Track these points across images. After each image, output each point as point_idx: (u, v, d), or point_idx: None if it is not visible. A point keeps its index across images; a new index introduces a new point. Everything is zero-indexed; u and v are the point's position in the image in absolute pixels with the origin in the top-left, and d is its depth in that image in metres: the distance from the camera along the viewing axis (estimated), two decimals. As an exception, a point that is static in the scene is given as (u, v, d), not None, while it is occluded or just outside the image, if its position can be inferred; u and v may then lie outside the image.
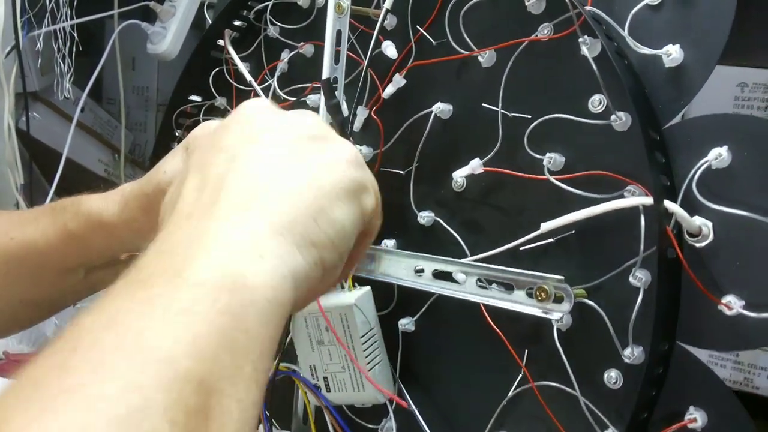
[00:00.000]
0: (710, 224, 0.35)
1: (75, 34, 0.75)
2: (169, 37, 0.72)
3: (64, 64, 0.75)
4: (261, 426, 0.44)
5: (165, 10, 0.70)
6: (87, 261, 0.43)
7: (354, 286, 0.43)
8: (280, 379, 0.45)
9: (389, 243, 0.46)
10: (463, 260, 0.41)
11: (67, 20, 0.74)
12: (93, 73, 0.76)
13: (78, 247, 0.42)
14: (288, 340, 0.44)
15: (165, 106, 1.00)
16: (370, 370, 0.41)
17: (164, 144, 0.60)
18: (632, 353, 0.35)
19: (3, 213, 0.46)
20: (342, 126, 0.41)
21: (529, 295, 0.36)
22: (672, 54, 0.36)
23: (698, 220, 0.35)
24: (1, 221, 0.44)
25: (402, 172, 0.46)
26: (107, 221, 0.41)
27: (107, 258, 0.43)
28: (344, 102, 0.45)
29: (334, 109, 0.41)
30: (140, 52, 0.78)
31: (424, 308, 0.44)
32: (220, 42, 0.56)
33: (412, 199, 0.45)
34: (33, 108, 0.80)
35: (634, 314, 0.35)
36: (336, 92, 0.42)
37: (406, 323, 0.45)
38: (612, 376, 0.36)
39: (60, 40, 0.74)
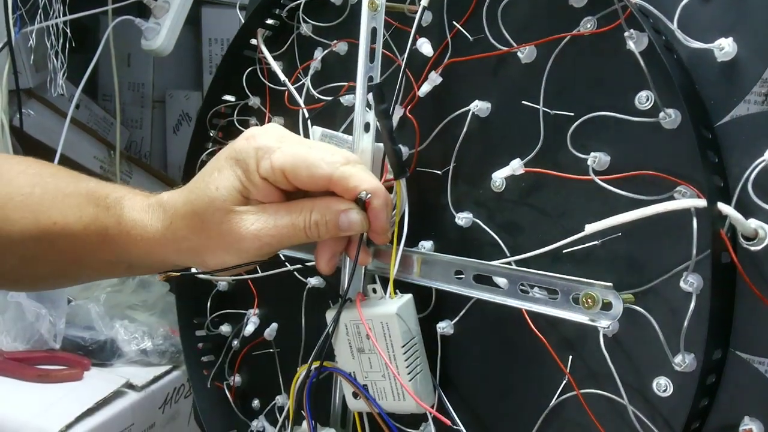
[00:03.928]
0: (766, 227, 0.33)
1: (68, 30, 0.74)
2: (163, 32, 0.72)
3: (57, 60, 0.75)
4: (305, 423, 0.43)
5: (159, 6, 0.70)
6: (128, 261, 0.43)
7: (396, 293, 0.42)
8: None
9: (426, 244, 0.45)
10: (504, 263, 0.40)
11: (60, 16, 0.73)
12: (87, 69, 0.76)
13: (118, 252, 0.42)
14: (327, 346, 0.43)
15: (161, 102, 1.00)
16: (411, 380, 0.41)
17: (199, 144, 0.59)
18: (683, 361, 0.34)
19: (31, 168, 0.45)
20: (390, 132, 0.40)
21: (575, 302, 0.35)
22: (724, 48, 0.35)
23: (753, 223, 0.33)
24: (36, 195, 0.42)
25: (439, 172, 0.45)
26: (150, 238, 0.41)
27: (148, 266, 0.42)
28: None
29: (383, 114, 0.40)
30: (135, 48, 0.77)
31: (463, 311, 0.43)
32: (253, 41, 0.55)
33: (449, 200, 0.44)
34: (27, 105, 0.80)
35: (687, 321, 0.33)
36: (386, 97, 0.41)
37: (444, 326, 0.44)
38: (661, 384, 0.35)
39: (53, 36, 0.74)
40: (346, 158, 0.39)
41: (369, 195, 0.38)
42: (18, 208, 0.42)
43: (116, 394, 0.64)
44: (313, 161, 0.38)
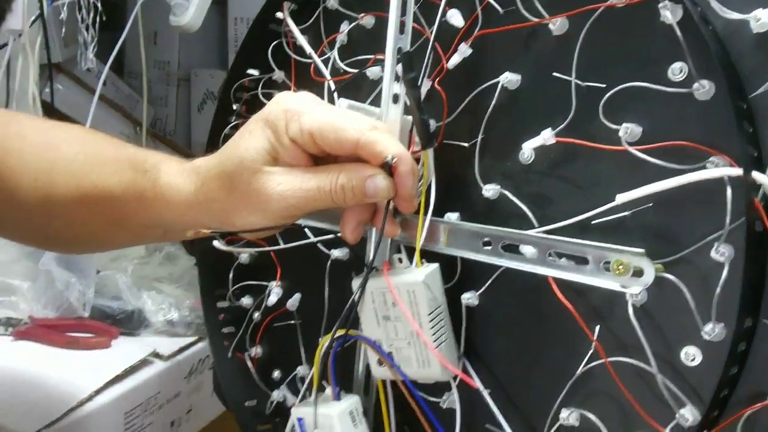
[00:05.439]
0: (800, 197, 0.33)
1: (99, 4, 0.75)
2: (191, 9, 0.72)
3: (87, 33, 0.75)
4: (329, 390, 0.44)
5: (187, -17, 0.70)
6: (164, 225, 0.44)
7: (422, 262, 0.43)
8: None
9: (452, 216, 0.45)
10: (533, 232, 0.40)
11: (91, -9, 0.74)
12: (115, 46, 0.77)
13: (154, 215, 0.43)
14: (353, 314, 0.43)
15: (186, 81, 1.00)
16: (436, 347, 0.41)
17: (222, 118, 0.60)
18: (713, 330, 0.34)
19: (76, 136, 0.47)
20: (418, 101, 0.41)
21: (606, 269, 0.35)
22: (761, 18, 0.34)
23: (787, 192, 0.33)
24: (79, 161, 0.45)
25: (466, 144, 0.45)
26: (183, 201, 0.42)
27: (182, 229, 0.43)
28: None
29: (411, 83, 0.41)
30: (162, 26, 0.78)
31: (489, 281, 0.43)
32: (279, 15, 0.56)
33: (476, 172, 0.45)
34: (55, 79, 0.82)
35: (718, 290, 0.33)
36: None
37: (469, 297, 0.44)
38: (690, 353, 0.35)
39: (84, 10, 0.74)
40: (374, 125, 0.40)
41: (395, 159, 0.39)
42: (63, 173, 0.44)
43: (143, 363, 0.65)
44: (340, 125, 0.39)
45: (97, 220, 0.45)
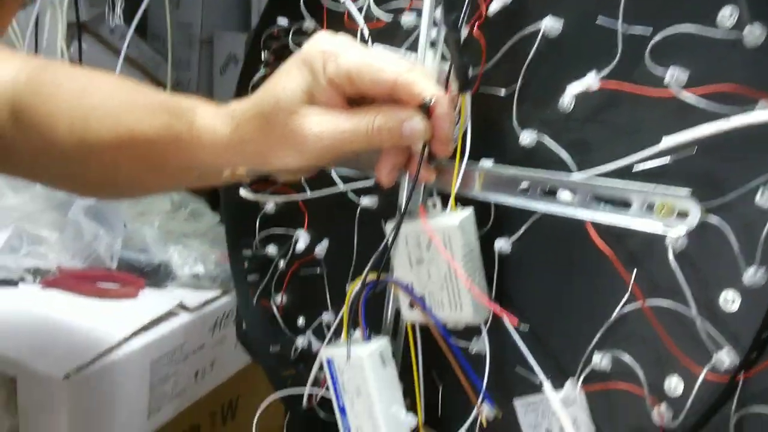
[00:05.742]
0: None
1: None
2: None
3: None
4: (357, 332, 0.44)
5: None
6: (199, 168, 0.44)
7: (457, 206, 0.42)
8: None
9: (487, 163, 0.45)
10: (572, 176, 0.40)
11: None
12: (139, 8, 0.77)
13: (190, 157, 0.43)
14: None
15: (209, 43, 1.00)
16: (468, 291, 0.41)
17: (252, 65, 0.60)
18: (756, 273, 0.34)
19: (109, 82, 0.48)
20: (458, 44, 0.40)
21: (649, 211, 0.35)
22: (817, -42, 0.34)
23: (838, 135, 0.33)
24: (114, 106, 0.45)
25: (504, 91, 0.45)
26: (218, 142, 0.42)
27: (217, 172, 0.43)
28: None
29: (452, 24, 0.40)
30: None
31: (523, 228, 0.43)
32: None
33: (514, 119, 0.44)
34: (81, 39, 0.81)
35: (764, 233, 0.33)
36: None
37: (502, 244, 0.44)
38: (729, 297, 0.35)
39: None
40: (411, 67, 0.40)
41: (433, 100, 0.39)
42: (98, 118, 0.44)
43: (170, 314, 0.66)
44: (378, 66, 0.39)
45: (134, 165, 0.46)
